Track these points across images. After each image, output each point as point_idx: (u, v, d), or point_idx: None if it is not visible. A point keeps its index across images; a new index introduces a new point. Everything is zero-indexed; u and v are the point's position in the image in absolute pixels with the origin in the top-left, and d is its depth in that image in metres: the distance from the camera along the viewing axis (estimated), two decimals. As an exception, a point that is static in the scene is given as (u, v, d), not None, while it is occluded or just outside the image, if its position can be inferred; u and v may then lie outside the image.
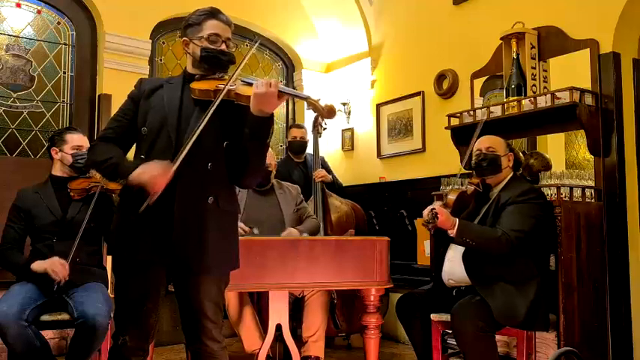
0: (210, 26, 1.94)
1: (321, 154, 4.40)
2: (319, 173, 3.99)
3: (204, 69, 1.96)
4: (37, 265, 2.59)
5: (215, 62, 1.94)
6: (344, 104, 4.97)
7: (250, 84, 1.86)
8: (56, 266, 2.54)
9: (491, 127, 3.39)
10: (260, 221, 3.26)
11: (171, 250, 1.85)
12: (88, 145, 2.86)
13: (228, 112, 1.89)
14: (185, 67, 2.04)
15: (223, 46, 1.95)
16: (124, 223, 1.92)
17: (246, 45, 5.01)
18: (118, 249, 1.94)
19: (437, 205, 2.68)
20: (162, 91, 1.96)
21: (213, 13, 1.96)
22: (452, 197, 2.74)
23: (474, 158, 2.83)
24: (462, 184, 3.10)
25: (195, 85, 1.92)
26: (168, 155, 1.83)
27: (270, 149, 3.31)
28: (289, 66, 5.28)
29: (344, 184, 4.66)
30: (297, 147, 4.27)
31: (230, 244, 1.99)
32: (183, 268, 1.89)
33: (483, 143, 2.81)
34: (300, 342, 3.03)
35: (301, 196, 3.56)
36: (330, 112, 1.82)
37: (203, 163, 1.88)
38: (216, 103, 1.82)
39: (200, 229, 1.86)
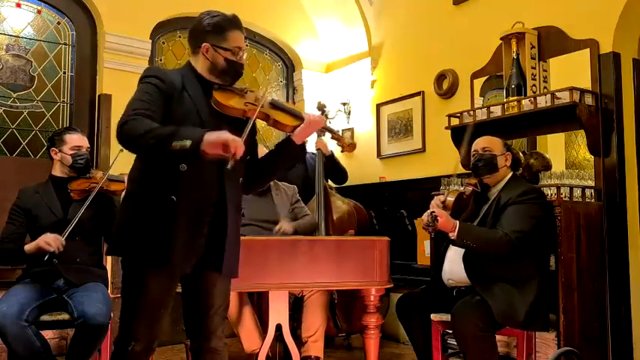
0: (236, 38, 1.93)
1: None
2: (320, 141, 3.99)
3: (224, 79, 1.94)
4: (30, 245, 2.58)
5: (235, 74, 1.95)
6: (344, 104, 4.97)
7: (284, 110, 1.98)
8: (48, 237, 2.52)
9: (492, 127, 3.40)
10: (254, 221, 3.25)
11: (217, 260, 1.90)
12: (88, 145, 2.86)
13: (251, 130, 1.92)
14: (191, 65, 1.95)
15: (242, 59, 1.96)
16: (165, 228, 1.82)
17: (247, 45, 5.01)
18: (152, 255, 1.83)
19: (435, 205, 2.68)
20: (188, 95, 1.87)
21: (237, 24, 1.95)
22: (450, 199, 2.74)
23: (471, 159, 2.84)
24: (461, 184, 3.10)
25: (220, 98, 1.88)
26: (212, 167, 1.82)
27: (264, 149, 3.34)
28: (289, 66, 5.28)
29: (344, 184, 4.65)
30: None
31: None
32: (227, 275, 1.96)
33: (479, 144, 2.83)
34: (299, 342, 3.03)
35: (297, 195, 3.56)
36: (350, 147, 2.24)
37: (238, 179, 1.96)
38: (250, 125, 1.83)
39: (238, 241, 2.00)
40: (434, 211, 2.52)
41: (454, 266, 2.75)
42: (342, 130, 5.03)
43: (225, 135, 1.68)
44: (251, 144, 1.98)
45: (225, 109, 1.88)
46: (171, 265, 1.83)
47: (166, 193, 1.81)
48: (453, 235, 2.55)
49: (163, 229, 1.81)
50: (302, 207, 3.53)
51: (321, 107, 4.21)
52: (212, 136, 1.66)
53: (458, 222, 2.56)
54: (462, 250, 2.66)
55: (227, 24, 1.93)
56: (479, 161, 2.78)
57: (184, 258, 1.85)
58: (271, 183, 3.47)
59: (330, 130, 2.17)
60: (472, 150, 2.85)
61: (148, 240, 1.82)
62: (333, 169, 4.15)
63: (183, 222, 1.83)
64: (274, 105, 1.96)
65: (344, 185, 4.64)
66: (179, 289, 2.01)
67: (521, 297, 2.54)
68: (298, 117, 1.97)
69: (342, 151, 4.07)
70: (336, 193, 4.09)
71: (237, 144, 1.67)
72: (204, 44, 1.91)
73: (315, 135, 4.14)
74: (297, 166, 4.24)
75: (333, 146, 4.19)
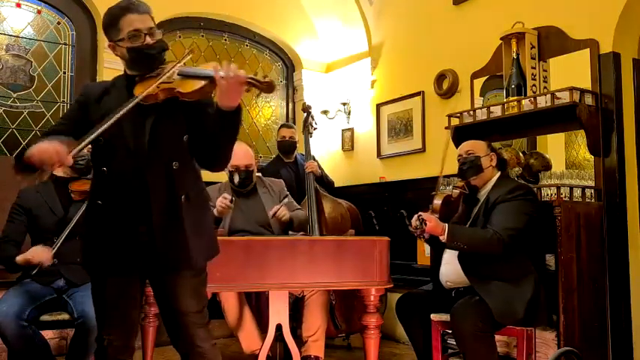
0: (127, 23, 1.80)
1: (320, 154, 4.39)
2: (311, 164, 3.99)
3: (139, 69, 1.85)
4: (20, 257, 2.58)
5: (146, 59, 1.82)
6: (344, 104, 4.97)
7: (191, 76, 1.79)
8: (36, 251, 2.53)
9: (492, 127, 3.40)
10: (246, 225, 3.23)
11: (152, 253, 1.83)
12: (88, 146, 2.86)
13: (177, 108, 1.84)
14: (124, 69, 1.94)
15: (148, 39, 1.80)
16: (100, 231, 1.87)
17: (247, 45, 5.01)
18: (95, 257, 1.90)
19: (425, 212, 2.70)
20: (110, 97, 1.88)
21: (127, 7, 1.82)
22: (437, 202, 2.80)
23: (458, 164, 2.89)
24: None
25: (138, 90, 1.81)
26: (129, 164, 1.82)
27: (249, 149, 3.33)
28: (289, 66, 5.28)
29: (344, 184, 4.66)
30: (286, 147, 4.28)
31: (207, 235, 1.98)
32: (166, 268, 1.86)
33: (463, 148, 2.89)
34: (300, 342, 3.03)
35: (285, 190, 3.51)
36: (269, 87, 1.73)
37: (169, 163, 1.85)
38: (130, 106, 1.72)
39: (180, 229, 1.85)
40: (420, 215, 2.57)
41: (450, 268, 2.77)
42: (342, 130, 5.04)
43: (36, 150, 1.64)
44: (187, 121, 1.87)
45: (145, 99, 1.78)
46: (107, 268, 1.86)
47: (95, 198, 1.85)
48: (443, 238, 2.58)
49: (96, 234, 1.87)
50: (292, 202, 3.48)
51: (306, 109, 4.22)
52: (32, 150, 1.66)
53: (447, 224, 2.59)
54: (457, 252, 2.67)
55: (117, 13, 1.82)
56: (463, 164, 2.84)
57: (121, 260, 1.84)
58: (257, 180, 3.43)
59: (256, 85, 1.74)
60: (457, 155, 2.90)
61: (89, 247, 1.91)
62: (323, 184, 4.19)
63: (112, 224, 1.83)
64: (184, 74, 1.79)
65: (344, 185, 4.64)
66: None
67: (519, 294, 2.55)
68: (205, 77, 1.75)
69: (310, 130, 4.09)
70: (327, 194, 4.09)
71: (50, 157, 1.62)
72: (108, 44, 1.87)
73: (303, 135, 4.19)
74: (289, 168, 4.25)
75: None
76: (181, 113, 1.86)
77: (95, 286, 1.92)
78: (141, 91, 1.77)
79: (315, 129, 4.21)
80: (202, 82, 1.75)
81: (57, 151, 1.63)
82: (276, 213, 3.22)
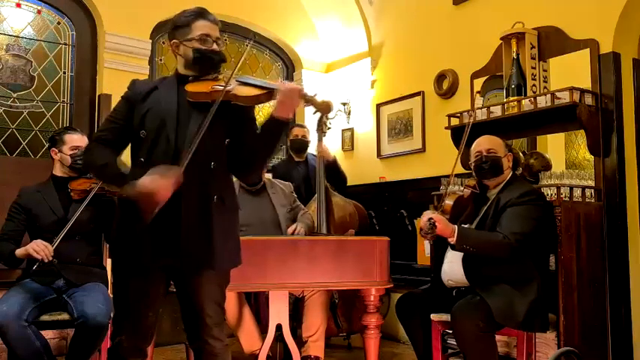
0: (200, 27, 1.93)
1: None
2: (322, 150, 3.90)
3: (197, 70, 1.96)
4: (20, 250, 2.57)
5: (208, 62, 1.95)
6: (344, 104, 4.97)
7: (247, 84, 1.90)
8: (38, 245, 2.51)
9: (492, 127, 3.40)
10: (253, 223, 3.22)
11: (177, 250, 1.85)
12: (88, 145, 2.87)
13: (226, 111, 1.89)
14: (177, 68, 2.03)
15: (214, 46, 1.95)
16: (127, 227, 1.92)
17: (247, 45, 5.01)
18: (121, 253, 1.95)
19: (432, 212, 2.66)
20: (158, 92, 1.95)
21: (202, 14, 1.96)
22: (449, 202, 2.71)
23: (473, 160, 2.80)
24: (461, 184, 3.10)
25: (190, 87, 1.91)
26: (169, 158, 1.84)
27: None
28: (289, 66, 5.28)
29: (344, 184, 4.64)
30: (298, 146, 4.27)
31: (234, 240, 2.01)
32: (189, 267, 1.89)
33: (483, 145, 2.76)
34: (300, 342, 3.03)
35: (294, 194, 3.53)
36: (326, 107, 1.90)
37: (206, 163, 1.89)
38: (216, 107, 1.82)
39: (207, 229, 1.88)
40: (431, 217, 2.49)
41: (454, 267, 2.75)
42: (342, 130, 5.04)
43: (149, 186, 1.73)
44: (230, 127, 1.95)
45: (194, 96, 1.89)
46: (129, 263, 1.91)
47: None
48: (452, 240, 2.53)
49: (127, 226, 1.92)
50: (299, 205, 3.51)
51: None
52: (139, 185, 1.75)
53: (456, 227, 2.53)
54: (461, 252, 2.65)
55: (191, 16, 1.95)
56: (484, 163, 2.72)
57: (146, 255, 1.86)
58: (266, 181, 3.44)
59: (308, 100, 1.92)
60: (475, 151, 2.80)
61: (114, 240, 1.99)
62: (335, 175, 4.09)
63: (142, 220, 1.84)
64: (242, 82, 1.92)
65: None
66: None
67: (522, 297, 2.53)
68: (265, 87, 1.90)
69: (324, 129, 4.07)
70: (337, 194, 4.09)
71: (160, 195, 1.71)
72: (173, 41, 1.98)
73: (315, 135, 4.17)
74: (300, 166, 4.25)
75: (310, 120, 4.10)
76: (226, 118, 1.91)
77: (117, 282, 1.97)
78: (192, 89, 1.89)
79: (329, 128, 4.19)
80: (259, 91, 1.88)
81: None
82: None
